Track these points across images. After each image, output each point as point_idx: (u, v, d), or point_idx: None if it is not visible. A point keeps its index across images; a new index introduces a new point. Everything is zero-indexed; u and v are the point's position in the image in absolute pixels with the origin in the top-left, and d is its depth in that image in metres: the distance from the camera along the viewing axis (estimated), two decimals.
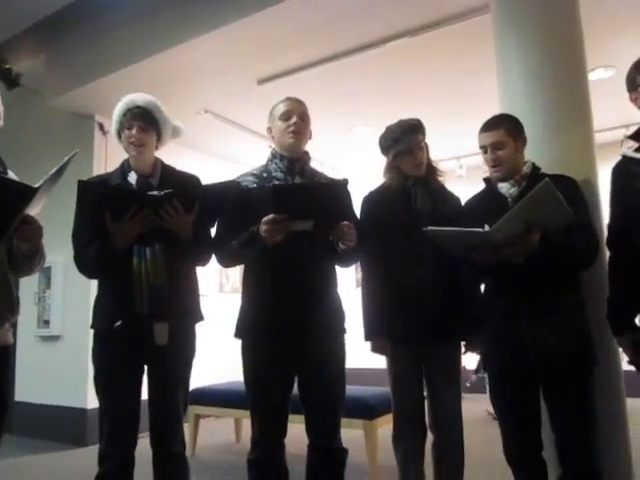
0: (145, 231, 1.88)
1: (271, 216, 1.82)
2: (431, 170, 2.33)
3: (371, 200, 2.35)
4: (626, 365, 2.44)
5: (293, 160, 2.07)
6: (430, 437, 2.27)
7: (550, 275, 1.88)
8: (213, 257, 2.09)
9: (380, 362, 2.34)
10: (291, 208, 1.81)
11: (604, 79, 4.28)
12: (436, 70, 4.26)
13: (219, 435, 4.65)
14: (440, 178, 2.36)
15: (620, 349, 2.36)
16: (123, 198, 1.88)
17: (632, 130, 1.93)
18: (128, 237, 1.88)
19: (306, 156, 2.13)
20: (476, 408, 4.76)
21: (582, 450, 1.87)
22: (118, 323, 1.91)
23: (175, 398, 2.00)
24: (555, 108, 2.33)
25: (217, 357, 5.19)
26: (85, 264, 1.99)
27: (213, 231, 2.11)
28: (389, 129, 2.32)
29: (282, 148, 2.08)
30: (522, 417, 1.96)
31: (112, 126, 2.09)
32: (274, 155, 2.10)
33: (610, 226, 1.96)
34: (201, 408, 4.11)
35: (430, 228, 1.91)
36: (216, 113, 4.92)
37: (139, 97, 2.06)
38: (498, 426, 2.04)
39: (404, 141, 2.23)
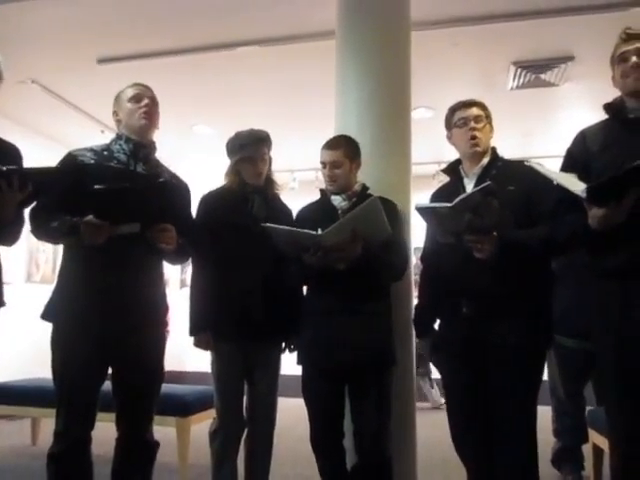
0: None
1: (92, 219, 1.77)
2: (269, 182, 2.46)
3: (209, 200, 2.41)
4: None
5: (139, 145, 2.03)
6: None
7: (365, 282, 2.12)
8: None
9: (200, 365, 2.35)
10: (115, 213, 1.77)
11: (425, 118, 4.80)
12: (283, 82, 4.40)
13: (12, 438, 4.19)
14: (276, 191, 2.50)
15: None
16: None
17: (444, 165, 2.26)
18: None
19: (153, 145, 2.10)
20: None
21: (375, 441, 2.13)
22: None
23: None
24: (381, 136, 2.63)
25: (17, 352, 4.72)
26: None
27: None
28: (238, 135, 2.40)
29: (130, 131, 2.03)
30: (328, 409, 2.19)
31: None
32: (119, 137, 2.05)
33: (425, 246, 2.26)
34: None
35: (269, 225, 2.05)
36: (44, 86, 4.50)
37: None
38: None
39: (249, 150, 2.32)
